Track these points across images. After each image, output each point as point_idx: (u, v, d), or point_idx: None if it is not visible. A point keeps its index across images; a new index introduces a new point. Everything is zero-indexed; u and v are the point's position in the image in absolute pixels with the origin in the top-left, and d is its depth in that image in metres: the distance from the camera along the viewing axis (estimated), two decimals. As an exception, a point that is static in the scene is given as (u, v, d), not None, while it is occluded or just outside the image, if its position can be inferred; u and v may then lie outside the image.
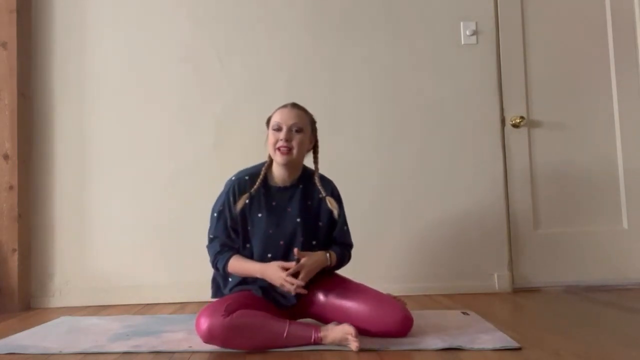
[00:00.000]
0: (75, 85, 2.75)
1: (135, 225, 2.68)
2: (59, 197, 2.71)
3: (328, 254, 1.82)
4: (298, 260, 1.73)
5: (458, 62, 2.75)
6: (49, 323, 2.20)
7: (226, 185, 1.88)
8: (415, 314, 2.10)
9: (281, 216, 1.83)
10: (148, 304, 2.61)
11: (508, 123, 2.74)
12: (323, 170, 2.68)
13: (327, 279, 1.87)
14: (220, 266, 1.82)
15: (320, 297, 1.83)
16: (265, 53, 2.76)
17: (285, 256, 1.80)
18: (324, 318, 1.83)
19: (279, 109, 1.86)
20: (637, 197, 2.73)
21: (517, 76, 2.77)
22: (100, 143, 2.74)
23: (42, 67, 2.76)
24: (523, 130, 2.75)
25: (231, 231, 1.84)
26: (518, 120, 2.72)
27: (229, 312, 1.65)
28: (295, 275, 1.72)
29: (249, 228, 1.84)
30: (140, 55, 2.76)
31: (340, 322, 1.71)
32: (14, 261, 2.58)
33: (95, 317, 2.32)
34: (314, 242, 1.86)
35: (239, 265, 1.79)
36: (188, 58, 2.76)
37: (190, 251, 2.54)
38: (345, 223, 1.95)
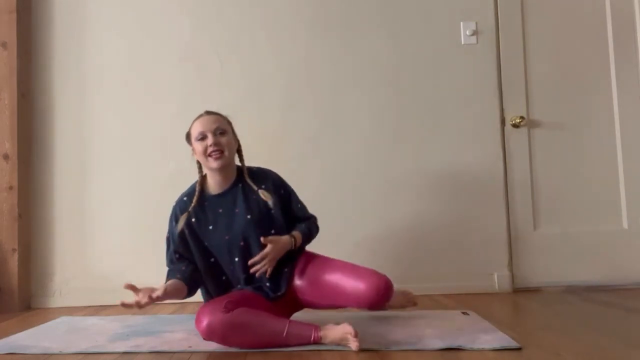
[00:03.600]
0: (75, 85, 2.76)
1: (135, 225, 2.68)
2: (59, 197, 2.71)
3: (293, 238, 1.86)
4: (264, 246, 1.80)
5: (458, 62, 2.75)
6: (49, 323, 2.20)
7: (170, 212, 1.93)
8: (415, 314, 2.10)
9: (231, 219, 1.86)
10: (148, 304, 2.61)
11: (508, 123, 2.74)
12: (325, 170, 2.69)
13: (302, 261, 1.91)
14: None
15: (298, 281, 1.88)
16: (265, 53, 2.76)
17: (250, 254, 1.84)
18: (311, 300, 1.87)
19: (195, 120, 1.90)
20: (637, 197, 2.73)
21: (517, 76, 2.77)
22: (100, 143, 2.74)
23: (42, 67, 2.76)
24: (523, 130, 2.75)
25: (174, 255, 1.88)
26: (518, 120, 2.72)
27: (228, 309, 1.66)
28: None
29: (205, 244, 1.87)
30: (140, 55, 2.76)
31: (339, 322, 1.71)
32: (14, 261, 2.58)
33: (95, 317, 2.32)
34: (272, 231, 1.88)
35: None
36: (188, 58, 2.76)
37: (190, 251, 2.53)
38: (297, 201, 2.00)
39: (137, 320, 2.21)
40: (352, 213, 2.67)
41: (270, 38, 2.77)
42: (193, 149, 1.90)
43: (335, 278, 1.80)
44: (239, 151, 1.96)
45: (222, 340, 1.67)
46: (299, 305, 1.92)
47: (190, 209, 1.87)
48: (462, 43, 2.76)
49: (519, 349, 1.59)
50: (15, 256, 2.59)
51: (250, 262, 1.79)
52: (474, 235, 2.68)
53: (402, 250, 2.66)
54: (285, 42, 2.77)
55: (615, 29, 2.80)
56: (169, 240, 1.92)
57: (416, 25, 2.77)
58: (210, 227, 1.87)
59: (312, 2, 2.78)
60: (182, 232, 1.86)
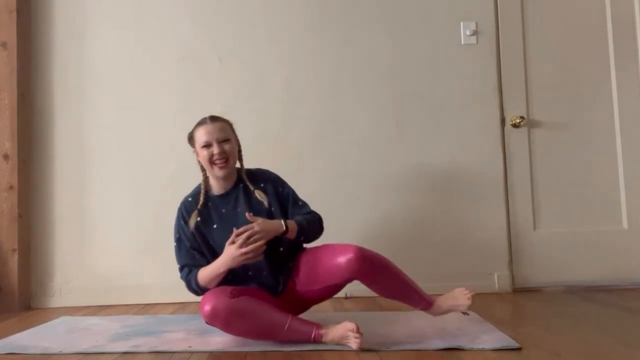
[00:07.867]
0: (75, 85, 2.76)
1: (135, 225, 2.68)
2: (59, 197, 2.71)
3: (282, 221, 1.83)
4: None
5: (458, 62, 2.75)
6: (49, 323, 2.21)
7: (176, 214, 1.95)
8: (416, 314, 2.10)
9: (234, 218, 1.88)
10: (148, 304, 2.61)
11: (508, 123, 2.74)
12: (325, 169, 2.69)
13: (299, 256, 1.91)
14: (194, 286, 1.85)
15: (296, 275, 1.88)
16: (265, 52, 2.76)
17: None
18: (308, 290, 1.86)
19: (199, 125, 1.91)
20: (637, 197, 2.73)
21: (517, 76, 2.77)
22: (100, 143, 2.74)
23: (42, 67, 2.76)
24: (523, 130, 2.75)
25: (194, 252, 1.89)
26: (518, 120, 2.72)
27: (234, 295, 1.69)
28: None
29: (210, 243, 1.89)
30: (140, 55, 2.76)
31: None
32: (14, 261, 2.58)
33: (95, 317, 2.33)
34: None
35: (205, 273, 1.81)
36: (188, 58, 2.76)
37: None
38: (297, 199, 1.98)
39: (137, 320, 2.21)
40: (351, 212, 2.67)
41: (270, 37, 2.77)
42: (196, 152, 1.93)
43: (318, 258, 1.82)
44: (239, 152, 1.98)
45: (224, 324, 1.68)
46: (304, 304, 1.93)
47: (199, 207, 1.90)
48: (462, 43, 2.76)
49: (519, 349, 1.59)
50: (15, 256, 2.59)
51: (236, 232, 1.73)
52: (474, 235, 2.68)
53: (402, 250, 2.65)
54: (285, 42, 2.77)
55: (615, 29, 2.79)
56: (180, 240, 1.91)
57: (416, 25, 2.77)
58: (215, 226, 1.89)
59: (312, 2, 2.78)
60: (193, 230, 1.88)
